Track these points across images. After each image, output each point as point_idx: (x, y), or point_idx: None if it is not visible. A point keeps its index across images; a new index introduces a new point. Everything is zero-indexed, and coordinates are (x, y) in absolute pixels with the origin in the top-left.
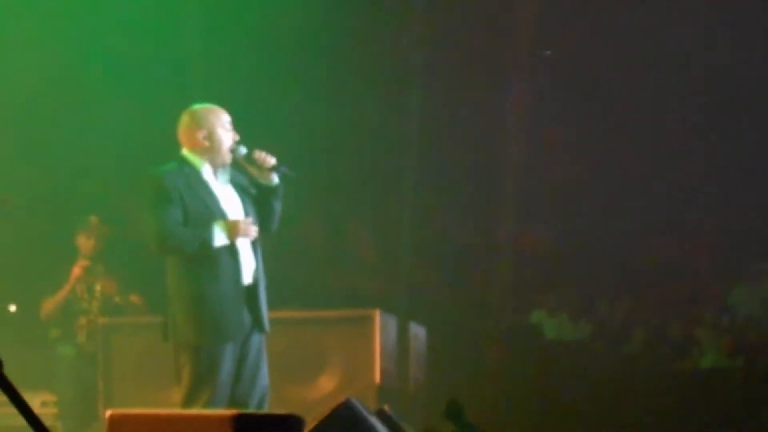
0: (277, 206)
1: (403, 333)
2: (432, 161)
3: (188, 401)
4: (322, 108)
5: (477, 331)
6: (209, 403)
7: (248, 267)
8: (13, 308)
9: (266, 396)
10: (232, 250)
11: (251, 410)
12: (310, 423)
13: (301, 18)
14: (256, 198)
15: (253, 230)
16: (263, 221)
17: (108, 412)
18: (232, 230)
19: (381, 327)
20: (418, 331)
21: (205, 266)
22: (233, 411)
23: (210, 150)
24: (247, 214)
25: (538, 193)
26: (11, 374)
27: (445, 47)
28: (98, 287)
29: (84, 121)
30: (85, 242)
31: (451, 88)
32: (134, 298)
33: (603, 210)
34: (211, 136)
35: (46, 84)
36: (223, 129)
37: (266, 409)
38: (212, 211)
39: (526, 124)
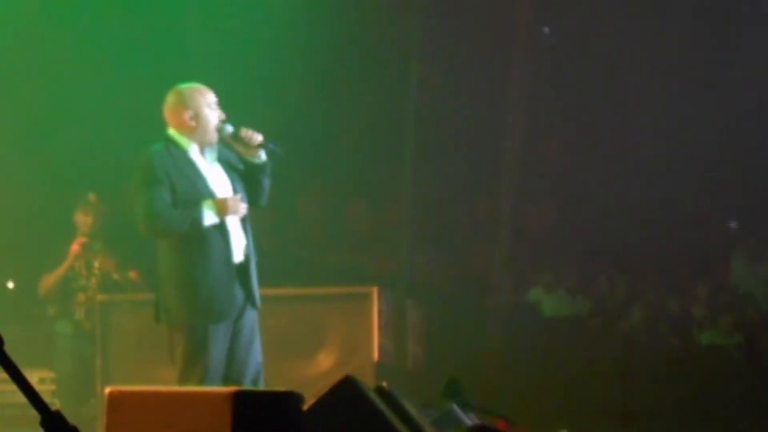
0: (266, 182)
1: (401, 310)
2: (430, 138)
3: (182, 380)
4: (320, 84)
5: (476, 308)
6: (202, 382)
7: (239, 244)
8: (11, 285)
9: (260, 373)
10: (221, 228)
11: (246, 387)
12: (310, 400)
13: None
14: (244, 174)
15: (243, 207)
16: (252, 197)
17: (107, 389)
18: (221, 208)
19: (379, 304)
20: (416, 309)
21: (194, 246)
22: (232, 388)
23: (196, 129)
24: (235, 192)
25: (536, 170)
26: (9, 351)
27: (443, 22)
28: (96, 264)
29: (83, 99)
30: (83, 219)
31: (450, 64)
32: (132, 275)
33: (602, 186)
34: (197, 116)
35: (45, 61)
36: (209, 108)
37: (261, 386)
38: (200, 191)
39: (525, 100)
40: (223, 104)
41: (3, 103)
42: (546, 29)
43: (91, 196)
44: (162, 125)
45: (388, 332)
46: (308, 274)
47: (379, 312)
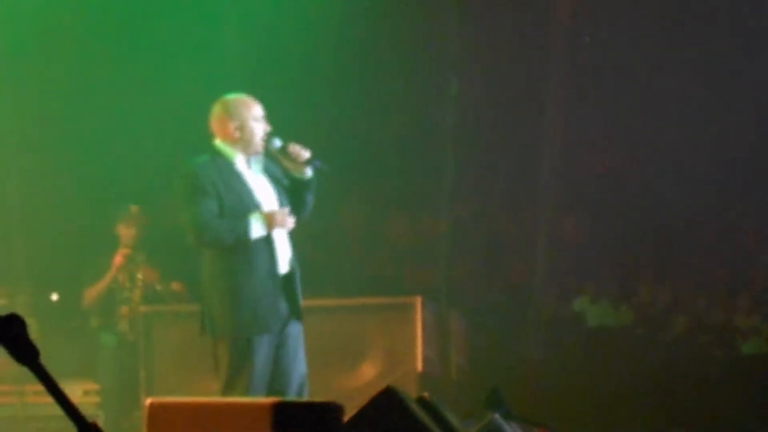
0: (310, 199)
1: (444, 320)
2: (469, 149)
3: (226, 391)
4: (361, 96)
5: (518, 319)
6: (246, 393)
7: (284, 256)
8: (55, 297)
9: (305, 384)
10: (267, 240)
11: (290, 398)
12: (352, 411)
13: (338, 3)
14: (289, 189)
15: (290, 221)
16: (294, 212)
17: (148, 401)
18: (270, 222)
19: (423, 314)
20: (459, 319)
21: (240, 257)
22: (273, 399)
23: (242, 141)
24: (281, 205)
25: (579, 180)
26: (53, 363)
27: (481, 32)
28: (140, 276)
29: (124, 110)
30: (125, 231)
31: (488, 75)
32: (176, 286)
33: (644, 196)
34: (242, 127)
35: (86, 74)
36: (255, 120)
37: (306, 397)
38: (247, 203)
39: (564, 110)
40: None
41: (45, 116)
42: (585, 39)
43: (134, 208)
44: (204, 136)
45: (431, 342)
46: (351, 285)
47: (423, 322)
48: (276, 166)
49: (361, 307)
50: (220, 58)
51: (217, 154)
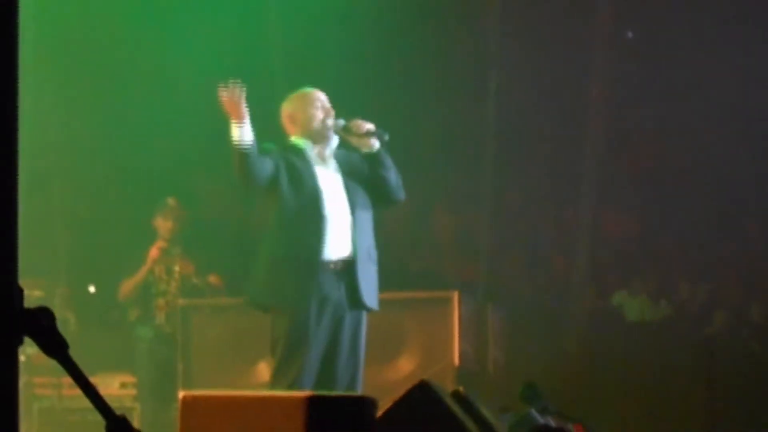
0: (387, 174)
1: (482, 315)
2: (511, 144)
3: (273, 368)
4: (401, 91)
5: (556, 313)
6: (298, 375)
7: (340, 240)
8: (92, 289)
9: (357, 378)
10: (317, 221)
11: (342, 387)
12: (387, 405)
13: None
14: (369, 173)
15: (239, 107)
16: (380, 195)
17: (181, 394)
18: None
19: (460, 309)
20: (497, 313)
21: (284, 233)
22: (306, 392)
23: (302, 130)
24: (349, 192)
25: (618, 174)
26: (91, 356)
27: (523, 29)
28: (177, 268)
29: (164, 104)
30: (162, 224)
31: (530, 69)
32: (213, 279)
33: (684, 191)
34: (299, 118)
35: (125, 67)
36: (314, 109)
37: (358, 389)
38: (305, 179)
39: (606, 105)
40: None
41: (84, 109)
42: (629, 33)
43: (171, 201)
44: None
45: (468, 337)
46: (390, 279)
47: (460, 317)
48: (354, 153)
49: (398, 301)
50: (258, 52)
51: (289, 147)
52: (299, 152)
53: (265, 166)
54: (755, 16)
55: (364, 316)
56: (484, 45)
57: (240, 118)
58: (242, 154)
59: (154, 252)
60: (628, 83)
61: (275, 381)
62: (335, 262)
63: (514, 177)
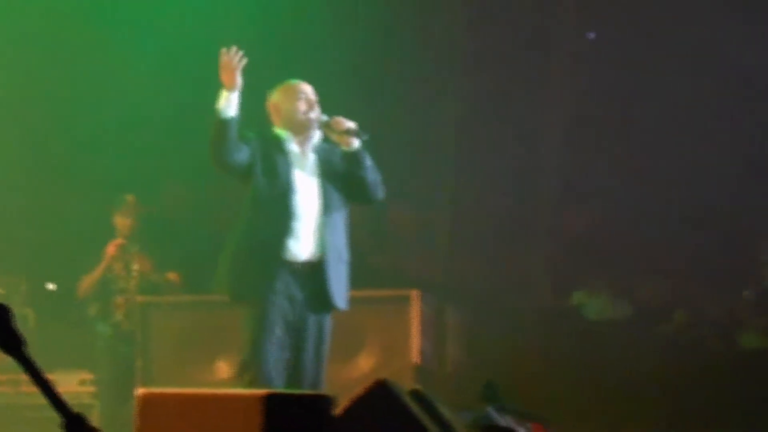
0: (365, 174)
1: (441, 313)
2: (472, 142)
3: (241, 367)
4: (362, 89)
5: (516, 312)
6: (260, 371)
7: (309, 240)
8: (52, 287)
9: (322, 373)
10: (285, 221)
11: (308, 386)
12: (346, 403)
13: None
14: (347, 171)
15: (234, 75)
16: (357, 194)
17: (138, 391)
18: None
19: (419, 307)
20: (456, 312)
21: (253, 224)
22: (263, 391)
23: (283, 121)
24: (324, 190)
25: (578, 173)
26: (50, 353)
27: (487, 30)
28: (135, 266)
29: (124, 101)
30: (121, 221)
31: (491, 69)
32: (172, 276)
33: (644, 189)
34: (280, 107)
35: (83, 62)
36: (297, 100)
37: (322, 387)
38: (282, 174)
39: (567, 105)
40: None
41: (41, 107)
42: (591, 34)
43: (129, 198)
44: (204, 126)
45: (428, 335)
46: (353, 278)
47: (419, 315)
48: (336, 149)
49: (357, 299)
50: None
51: (272, 135)
52: (279, 144)
53: (240, 151)
54: (716, 12)
55: (330, 316)
56: (447, 42)
57: (231, 86)
58: (221, 124)
59: (111, 249)
60: (589, 81)
61: (239, 377)
62: (303, 263)
63: (474, 174)
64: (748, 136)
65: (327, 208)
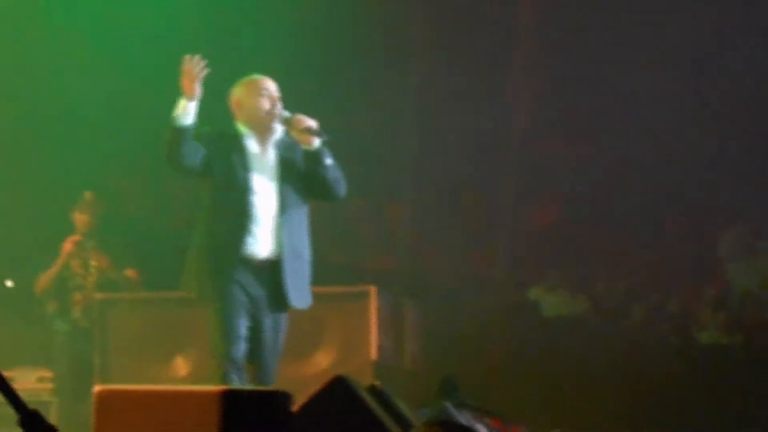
0: (325, 173)
1: (399, 309)
2: (432, 137)
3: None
4: (321, 83)
5: (475, 307)
6: (221, 367)
7: (265, 238)
8: (9, 284)
9: (271, 380)
10: (244, 218)
11: (270, 382)
12: (303, 400)
13: None
14: (308, 170)
15: (194, 84)
16: (317, 191)
17: (95, 388)
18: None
19: (377, 303)
20: (415, 308)
21: (211, 222)
22: (220, 387)
23: (244, 117)
24: (281, 189)
25: (538, 169)
26: (9, 350)
27: (445, 22)
28: (93, 263)
29: (81, 97)
30: (80, 218)
31: (451, 64)
32: (130, 273)
33: (603, 185)
34: (242, 103)
35: (44, 60)
36: (259, 96)
37: (272, 383)
38: (237, 172)
39: (527, 100)
40: None
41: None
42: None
43: (88, 195)
44: (163, 122)
45: (386, 331)
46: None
47: (378, 311)
48: (298, 147)
49: (316, 295)
50: (179, 47)
51: (231, 130)
52: (238, 142)
53: (196, 154)
54: (675, 10)
55: (286, 315)
56: (407, 37)
57: (191, 95)
58: (176, 131)
59: (67, 245)
60: (550, 74)
61: (213, 373)
62: (262, 261)
63: (434, 170)
64: (708, 134)
65: (285, 208)
